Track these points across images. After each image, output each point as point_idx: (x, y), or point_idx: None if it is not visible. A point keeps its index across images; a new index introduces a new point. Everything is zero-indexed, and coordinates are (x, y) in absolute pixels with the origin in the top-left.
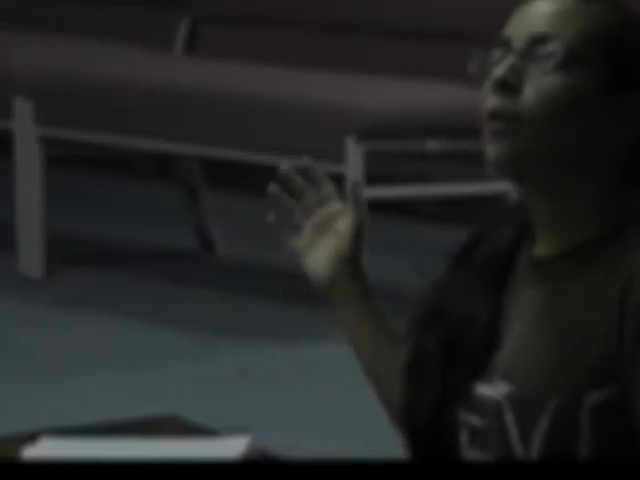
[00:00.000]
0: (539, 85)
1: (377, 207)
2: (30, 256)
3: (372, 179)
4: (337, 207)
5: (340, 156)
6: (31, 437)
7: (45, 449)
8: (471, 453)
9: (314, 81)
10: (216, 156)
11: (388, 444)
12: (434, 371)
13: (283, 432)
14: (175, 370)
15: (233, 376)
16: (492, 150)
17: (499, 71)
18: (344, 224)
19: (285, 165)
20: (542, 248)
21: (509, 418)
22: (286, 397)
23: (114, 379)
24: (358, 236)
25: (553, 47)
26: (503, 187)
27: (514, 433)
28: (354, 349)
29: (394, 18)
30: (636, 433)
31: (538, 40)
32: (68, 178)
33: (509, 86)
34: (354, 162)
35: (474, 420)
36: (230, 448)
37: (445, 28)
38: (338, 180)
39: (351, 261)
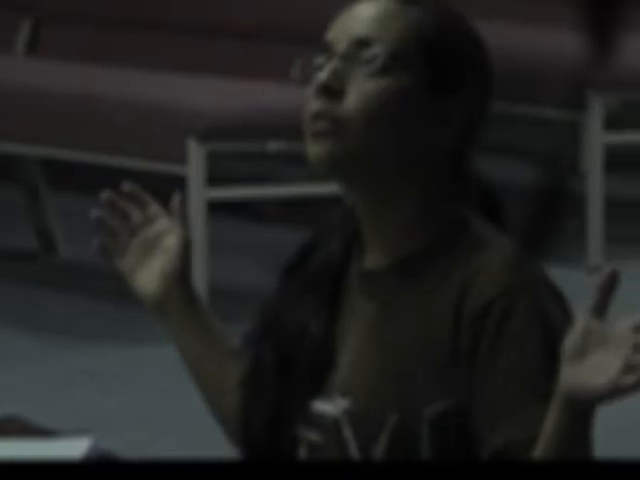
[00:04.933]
0: (361, 89)
1: (218, 208)
2: None
3: (213, 180)
4: (163, 225)
5: (182, 157)
6: None
7: None
8: None
9: (155, 82)
10: (57, 157)
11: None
12: (270, 387)
13: (125, 432)
14: (17, 371)
15: (75, 377)
16: (313, 151)
17: (322, 76)
18: (171, 241)
19: (106, 192)
20: (372, 260)
21: (347, 434)
22: (128, 397)
23: None
24: (185, 252)
25: (375, 50)
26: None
27: (353, 448)
28: (187, 366)
29: (236, 19)
30: (473, 442)
31: (360, 44)
32: None
33: (332, 91)
34: (195, 163)
35: (313, 436)
36: (72, 449)
37: (287, 29)
38: (180, 181)
39: (180, 278)
